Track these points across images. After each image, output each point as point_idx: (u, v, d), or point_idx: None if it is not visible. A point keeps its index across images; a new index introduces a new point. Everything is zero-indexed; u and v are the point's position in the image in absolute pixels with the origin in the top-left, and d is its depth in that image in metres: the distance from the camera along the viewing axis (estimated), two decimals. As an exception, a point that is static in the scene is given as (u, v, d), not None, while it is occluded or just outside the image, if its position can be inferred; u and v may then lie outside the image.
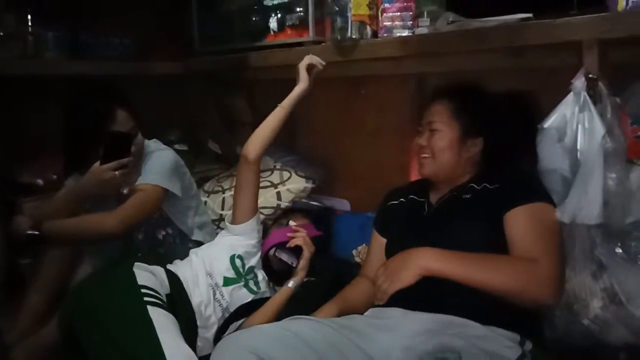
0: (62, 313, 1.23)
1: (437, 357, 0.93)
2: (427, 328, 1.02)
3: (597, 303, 1.09)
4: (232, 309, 1.31)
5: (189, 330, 1.20)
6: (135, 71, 1.90)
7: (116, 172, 1.35)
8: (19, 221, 1.34)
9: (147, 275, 1.21)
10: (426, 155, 1.22)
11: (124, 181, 1.39)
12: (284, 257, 1.34)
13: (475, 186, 1.18)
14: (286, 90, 2.00)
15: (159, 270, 1.27)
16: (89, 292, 1.19)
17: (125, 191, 1.43)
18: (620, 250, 1.06)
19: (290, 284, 1.33)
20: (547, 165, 1.14)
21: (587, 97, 1.04)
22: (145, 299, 1.12)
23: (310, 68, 1.41)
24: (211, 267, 1.34)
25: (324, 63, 1.42)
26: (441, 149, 1.20)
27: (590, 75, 1.05)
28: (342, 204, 1.85)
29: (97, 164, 1.35)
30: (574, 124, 1.05)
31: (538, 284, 1.01)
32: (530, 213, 1.09)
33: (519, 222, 1.08)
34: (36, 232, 1.28)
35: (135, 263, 1.23)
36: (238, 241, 1.39)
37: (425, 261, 1.06)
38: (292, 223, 1.49)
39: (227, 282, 1.34)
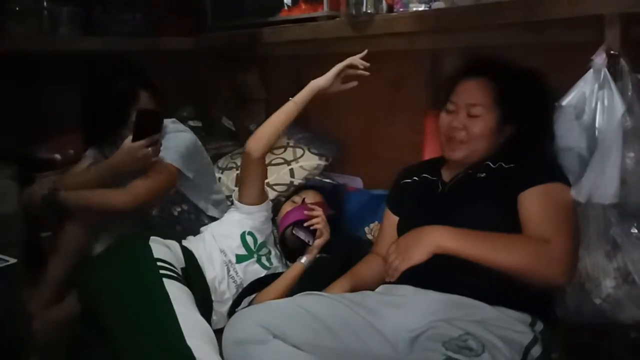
0: (80, 285, 1.26)
1: (459, 345, 0.92)
2: (437, 308, 1.02)
3: (610, 282, 1.08)
4: (246, 285, 1.33)
5: (204, 305, 1.22)
6: (147, 47, 1.90)
7: (149, 149, 1.38)
8: (34, 188, 1.42)
9: (163, 249, 1.22)
10: (461, 139, 1.16)
11: (156, 156, 1.42)
12: (302, 235, 1.35)
13: (491, 165, 1.16)
14: (299, 66, 1.99)
15: (174, 244, 1.29)
16: (105, 265, 1.22)
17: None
18: (636, 230, 1.04)
19: (303, 260, 1.34)
20: (564, 143, 1.12)
21: (608, 74, 1.01)
22: (162, 271, 1.13)
23: (348, 68, 1.34)
24: (222, 245, 1.36)
25: (366, 64, 1.33)
26: (480, 136, 1.15)
27: (611, 52, 1.02)
28: (355, 182, 1.85)
29: (129, 140, 1.38)
30: (593, 102, 1.03)
31: (549, 264, 1.00)
32: (545, 193, 1.07)
33: (534, 202, 1.07)
34: (51, 195, 1.34)
35: (151, 237, 1.25)
36: (247, 219, 1.40)
37: (438, 239, 1.05)
38: (308, 201, 1.50)
39: (240, 259, 1.35)
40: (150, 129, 1.38)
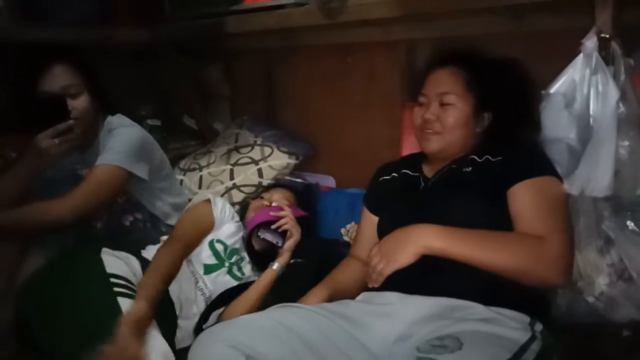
0: (17, 304, 1.11)
1: (433, 344, 0.85)
2: (428, 314, 0.94)
3: (603, 280, 1.04)
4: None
5: (167, 322, 1.10)
6: (98, 38, 1.74)
7: (55, 140, 1.22)
8: None
9: (117, 262, 1.10)
10: (435, 130, 1.11)
11: (68, 148, 1.26)
12: (269, 237, 1.24)
13: (477, 158, 1.09)
14: (266, 60, 1.88)
15: (130, 257, 1.16)
16: (49, 282, 1.08)
17: (84, 173, 1.29)
18: (632, 224, 0.99)
19: (275, 266, 1.24)
20: (552, 134, 1.07)
21: (600, 59, 0.96)
22: (116, 289, 1.01)
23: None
24: (190, 254, 1.24)
25: None
26: (455, 126, 1.10)
27: (602, 35, 0.97)
28: (328, 181, 1.77)
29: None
30: (585, 88, 0.98)
31: (546, 263, 0.94)
32: (536, 188, 1.01)
33: (524, 197, 1.00)
34: None
35: (103, 248, 1.12)
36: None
37: (426, 239, 0.97)
38: (278, 201, 1.39)
39: (209, 269, 1.24)
40: (55, 117, 1.23)
